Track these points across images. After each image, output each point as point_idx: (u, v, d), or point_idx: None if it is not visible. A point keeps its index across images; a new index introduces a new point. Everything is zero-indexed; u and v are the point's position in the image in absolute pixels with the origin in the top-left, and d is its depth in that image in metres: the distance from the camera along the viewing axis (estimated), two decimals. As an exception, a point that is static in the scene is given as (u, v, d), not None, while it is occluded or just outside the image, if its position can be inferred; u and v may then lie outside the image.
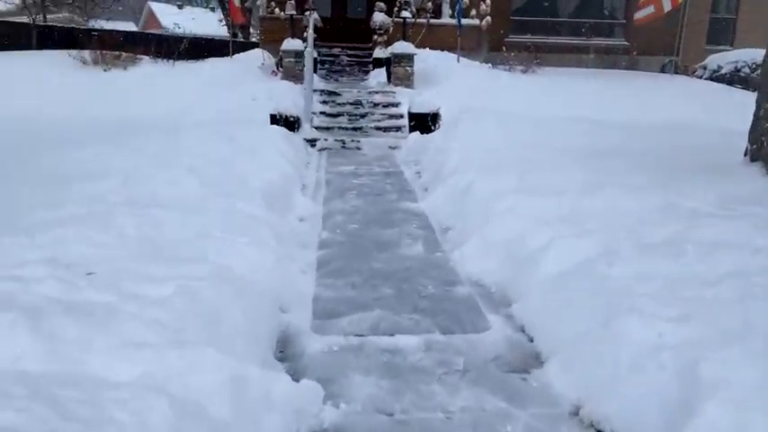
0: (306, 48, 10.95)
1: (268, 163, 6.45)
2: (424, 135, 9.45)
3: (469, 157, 6.78)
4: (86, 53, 12.45)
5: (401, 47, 12.16)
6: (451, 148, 7.50)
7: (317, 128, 10.18)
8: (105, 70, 12.06)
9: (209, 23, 31.97)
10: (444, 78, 12.16)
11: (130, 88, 11.07)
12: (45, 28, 16.80)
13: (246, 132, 7.57)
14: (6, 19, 17.67)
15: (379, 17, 13.66)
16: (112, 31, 17.38)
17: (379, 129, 10.49)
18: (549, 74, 13.48)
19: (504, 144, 7.29)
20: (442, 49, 13.92)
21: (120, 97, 10.57)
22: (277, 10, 14.44)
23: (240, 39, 22.98)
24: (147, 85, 11.16)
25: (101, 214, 4.08)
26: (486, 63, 13.98)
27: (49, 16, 27.90)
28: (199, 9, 39.49)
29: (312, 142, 9.67)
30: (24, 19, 18.53)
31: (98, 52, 12.38)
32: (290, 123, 9.46)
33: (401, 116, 10.74)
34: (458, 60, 13.37)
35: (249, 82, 11.33)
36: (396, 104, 11.26)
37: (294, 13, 12.60)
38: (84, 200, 4.54)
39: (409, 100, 10.68)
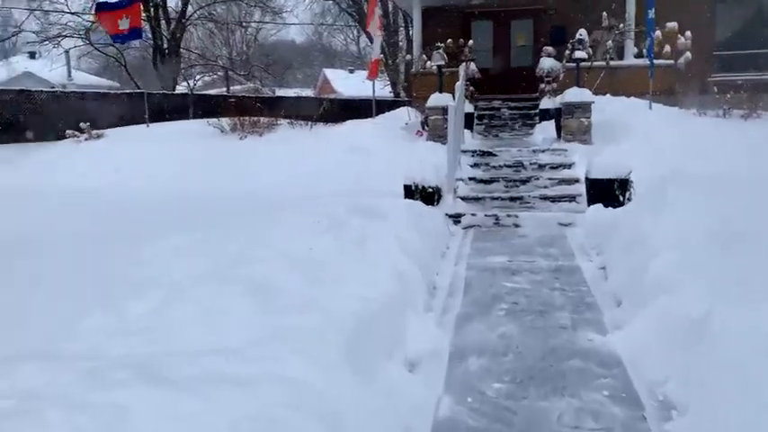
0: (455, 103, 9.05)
1: (377, 266, 4.47)
2: (609, 209, 6.85)
3: (694, 255, 4.16)
4: (225, 121, 11.81)
5: (574, 94, 9.80)
6: (656, 234, 4.87)
7: (463, 198, 8.10)
8: (241, 138, 11.24)
9: (378, 85, 32.01)
10: (632, 131, 9.47)
11: (259, 157, 10.00)
12: (199, 97, 17.11)
13: (361, 214, 5.70)
14: (168, 92, 18.35)
15: (546, 63, 11.57)
16: (251, 96, 17.33)
17: (545, 198, 8.10)
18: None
19: (756, 231, 4.48)
20: (628, 95, 11.25)
21: (244, 168, 9.53)
22: (429, 64, 12.93)
23: (390, 98, 22.26)
24: (276, 153, 10.01)
25: (47, 401, 2.34)
26: (689, 109, 10.94)
27: (234, 87, 29.90)
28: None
29: (456, 218, 7.58)
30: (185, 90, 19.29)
31: (236, 120, 11.67)
32: (429, 195, 7.50)
33: (575, 181, 8.29)
34: (650, 107, 10.58)
35: (387, 145, 9.68)
36: (568, 165, 8.85)
37: (442, 63, 10.85)
38: (68, 356, 2.92)
39: (587, 160, 8.17)
